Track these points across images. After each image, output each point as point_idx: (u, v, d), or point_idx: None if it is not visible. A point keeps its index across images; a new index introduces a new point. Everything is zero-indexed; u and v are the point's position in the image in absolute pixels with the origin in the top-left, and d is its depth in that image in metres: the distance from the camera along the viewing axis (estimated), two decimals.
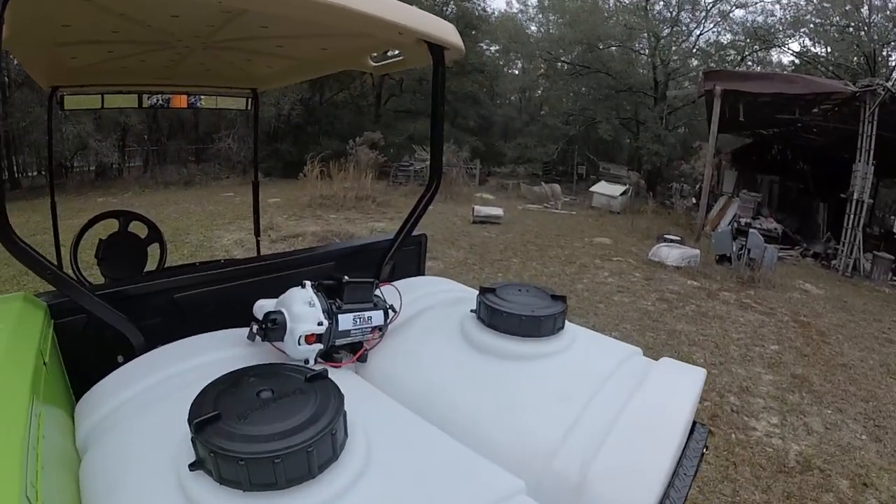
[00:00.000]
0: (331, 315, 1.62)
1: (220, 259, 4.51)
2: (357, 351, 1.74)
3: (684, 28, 28.63)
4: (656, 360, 1.77)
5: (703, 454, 1.52)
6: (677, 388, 1.60)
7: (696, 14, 28.19)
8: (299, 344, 1.55)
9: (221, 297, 2.13)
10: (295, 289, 1.66)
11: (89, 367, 1.65)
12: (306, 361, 1.59)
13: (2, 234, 1.46)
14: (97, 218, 3.73)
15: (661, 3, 28.67)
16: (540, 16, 34.15)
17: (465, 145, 25.35)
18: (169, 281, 2.12)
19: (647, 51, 29.12)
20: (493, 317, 1.71)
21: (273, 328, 1.56)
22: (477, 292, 1.95)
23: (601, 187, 21.58)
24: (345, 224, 13.86)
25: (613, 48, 29.70)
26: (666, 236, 13.44)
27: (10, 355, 1.23)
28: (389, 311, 1.81)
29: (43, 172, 25.38)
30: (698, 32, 28.69)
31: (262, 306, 1.66)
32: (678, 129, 29.11)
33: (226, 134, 25.24)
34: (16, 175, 23.93)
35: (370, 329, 1.74)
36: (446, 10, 30.73)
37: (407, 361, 1.75)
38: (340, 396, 1.18)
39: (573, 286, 9.41)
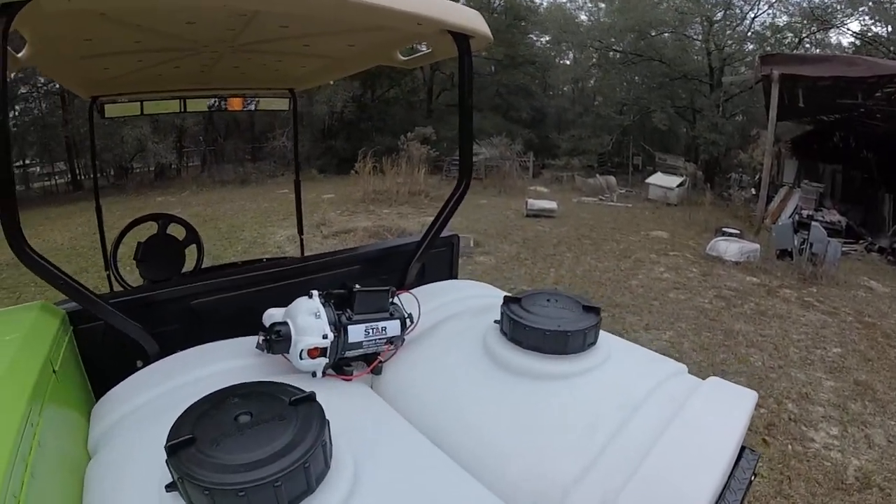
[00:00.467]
0: (339, 327, 1.53)
1: (263, 258, 4.58)
2: (372, 362, 1.65)
3: (738, 11, 27.36)
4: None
5: (751, 482, 1.34)
6: (724, 413, 1.42)
7: None
8: (301, 358, 1.47)
9: (240, 303, 2.08)
10: (302, 299, 1.57)
11: (110, 372, 1.66)
12: (314, 374, 1.52)
13: (14, 246, 1.46)
14: (136, 221, 3.81)
15: None
16: (589, 4, 33.50)
17: (518, 138, 25.14)
18: (185, 288, 2.10)
19: (700, 36, 28.07)
20: (515, 331, 1.55)
21: (278, 340, 1.49)
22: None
23: (657, 179, 21.06)
24: (397, 219, 13.85)
25: (666, 34, 28.71)
26: (724, 230, 12.97)
27: (13, 367, 1.23)
28: (407, 320, 1.69)
29: (104, 174, 26.35)
30: (752, 15, 27.31)
31: (272, 315, 1.59)
32: (735, 117, 27.83)
33: (280, 133, 25.67)
34: (78, 177, 25.16)
35: (384, 340, 1.63)
36: (494, 2, 30.43)
37: (422, 375, 1.62)
38: (322, 424, 1.08)
39: (628, 282, 9.17)
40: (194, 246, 3.92)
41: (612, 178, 22.43)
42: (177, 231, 3.86)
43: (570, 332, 1.50)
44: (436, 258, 2.70)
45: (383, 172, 18.41)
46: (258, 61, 2.96)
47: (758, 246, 11.11)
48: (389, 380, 1.65)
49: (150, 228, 3.77)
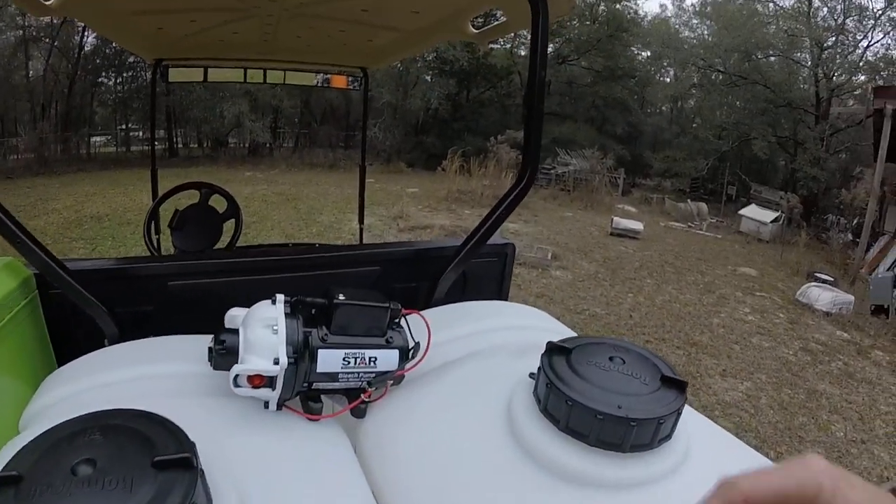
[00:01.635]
0: (299, 350, 1.08)
1: (316, 243, 4.34)
2: (357, 397, 1.18)
3: (850, 38, 25.92)
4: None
5: None
6: None
7: (864, 22, 25.40)
8: (237, 385, 1.03)
9: (228, 292, 1.74)
10: (262, 303, 1.15)
11: (79, 346, 1.42)
12: (266, 405, 1.10)
13: None
14: (178, 188, 3.62)
15: (826, 9, 26.09)
16: (695, 20, 32.39)
17: (610, 153, 24.46)
18: (162, 266, 1.82)
19: (809, 62, 26.65)
20: (552, 401, 0.99)
21: (221, 353, 1.07)
22: (571, 333, 1.40)
23: (751, 211, 20.01)
24: (477, 221, 13.51)
25: (772, 58, 27.47)
26: (817, 275, 12.18)
27: None
28: (410, 352, 1.22)
29: (201, 145, 27.61)
30: (865, 44, 25.83)
31: (235, 317, 1.16)
32: (839, 154, 26.34)
33: (372, 123, 26.04)
34: (175, 146, 26.34)
35: (372, 375, 1.18)
36: (597, 11, 29.82)
37: (413, 433, 1.15)
38: None
39: (709, 320, 8.58)
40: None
41: (704, 206, 21.66)
42: (220, 204, 3.64)
43: (635, 420, 0.93)
44: (481, 270, 2.21)
45: (470, 173, 18.37)
46: (322, 31, 2.69)
47: (852, 298, 10.18)
48: (371, 429, 1.19)
49: (193, 197, 3.58)
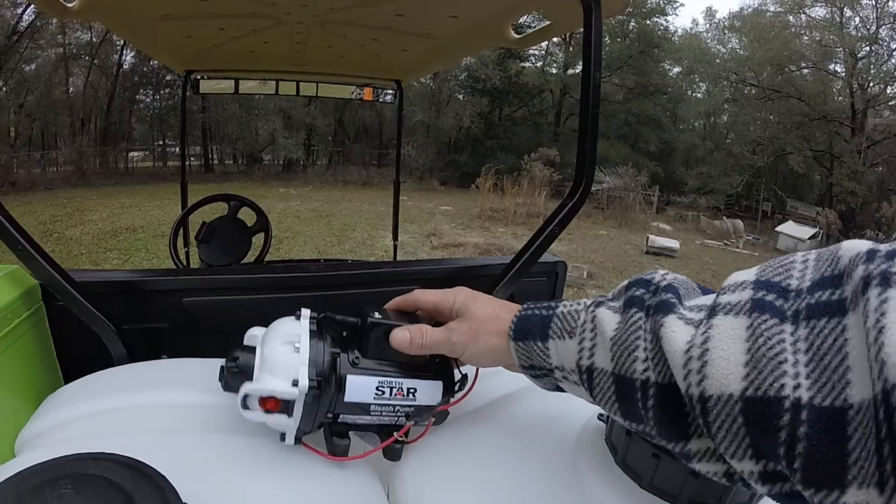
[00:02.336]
0: (324, 373, 0.87)
1: (349, 259, 4.22)
2: (391, 435, 0.97)
3: (884, 47, 25.35)
4: None
5: None
6: None
7: None
8: (246, 406, 0.82)
9: (249, 309, 1.61)
10: (284, 319, 0.95)
11: (87, 360, 1.32)
12: (282, 437, 0.89)
13: None
14: (205, 200, 3.52)
15: (858, 18, 25.57)
16: (727, 32, 31.97)
17: (644, 170, 24.23)
18: (178, 280, 1.66)
19: (843, 73, 26.10)
20: (632, 452, 0.82)
21: (234, 372, 0.88)
22: None
23: (789, 228, 19.72)
24: (511, 239, 13.55)
25: (806, 70, 27.04)
26: None
27: None
28: (457, 384, 1.00)
29: (236, 161, 28.09)
30: None
31: (254, 337, 0.95)
32: (877, 167, 25.58)
33: (405, 141, 26.22)
34: (210, 161, 26.75)
35: (410, 409, 0.97)
36: (627, 26, 29.86)
37: (456, 484, 0.93)
38: None
39: None
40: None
41: (740, 223, 21.32)
42: (249, 217, 3.50)
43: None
44: (530, 289, 2.00)
45: (503, 191, 18.35)
46: (354, 41, 2.60)
47: None
48: (407, 474, 0.97)
49: (224, 210, 3.46)
